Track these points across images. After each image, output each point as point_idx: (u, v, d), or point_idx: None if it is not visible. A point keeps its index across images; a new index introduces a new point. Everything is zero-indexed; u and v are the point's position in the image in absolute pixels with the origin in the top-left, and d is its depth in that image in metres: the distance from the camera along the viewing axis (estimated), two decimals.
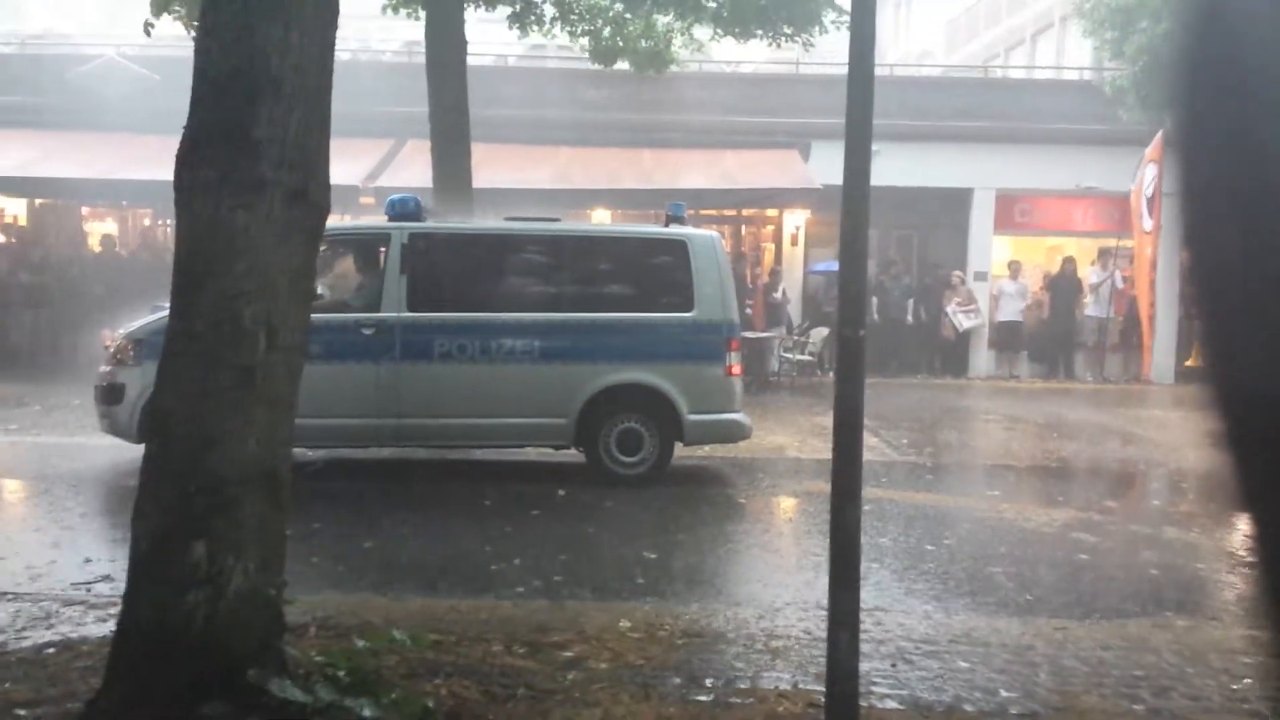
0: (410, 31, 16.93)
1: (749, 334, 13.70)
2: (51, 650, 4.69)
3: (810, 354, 16.29)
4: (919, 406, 14.47)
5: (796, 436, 11.43)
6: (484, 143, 13.45)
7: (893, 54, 34.64)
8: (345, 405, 8.35)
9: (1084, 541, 7.28)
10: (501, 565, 6.38)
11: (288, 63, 3.48)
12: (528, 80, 19.20)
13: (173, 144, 3.61)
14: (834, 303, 16.83)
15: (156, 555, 3.43)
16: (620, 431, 8.76)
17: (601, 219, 17.05)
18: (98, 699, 3.59)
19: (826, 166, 16.03)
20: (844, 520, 3.68)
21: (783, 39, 13.69)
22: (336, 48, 3.78)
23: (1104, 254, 18.51)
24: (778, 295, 17.46)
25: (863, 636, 4.01)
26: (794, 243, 18.82)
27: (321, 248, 4.03)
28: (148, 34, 10.45)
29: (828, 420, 11.08)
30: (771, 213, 18.90)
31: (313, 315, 3.89)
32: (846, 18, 12.97)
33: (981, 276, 19.06)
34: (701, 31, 14.61)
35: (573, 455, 9.21)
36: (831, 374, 14.82)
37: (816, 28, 13.45)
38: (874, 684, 4.43)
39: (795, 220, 18.58)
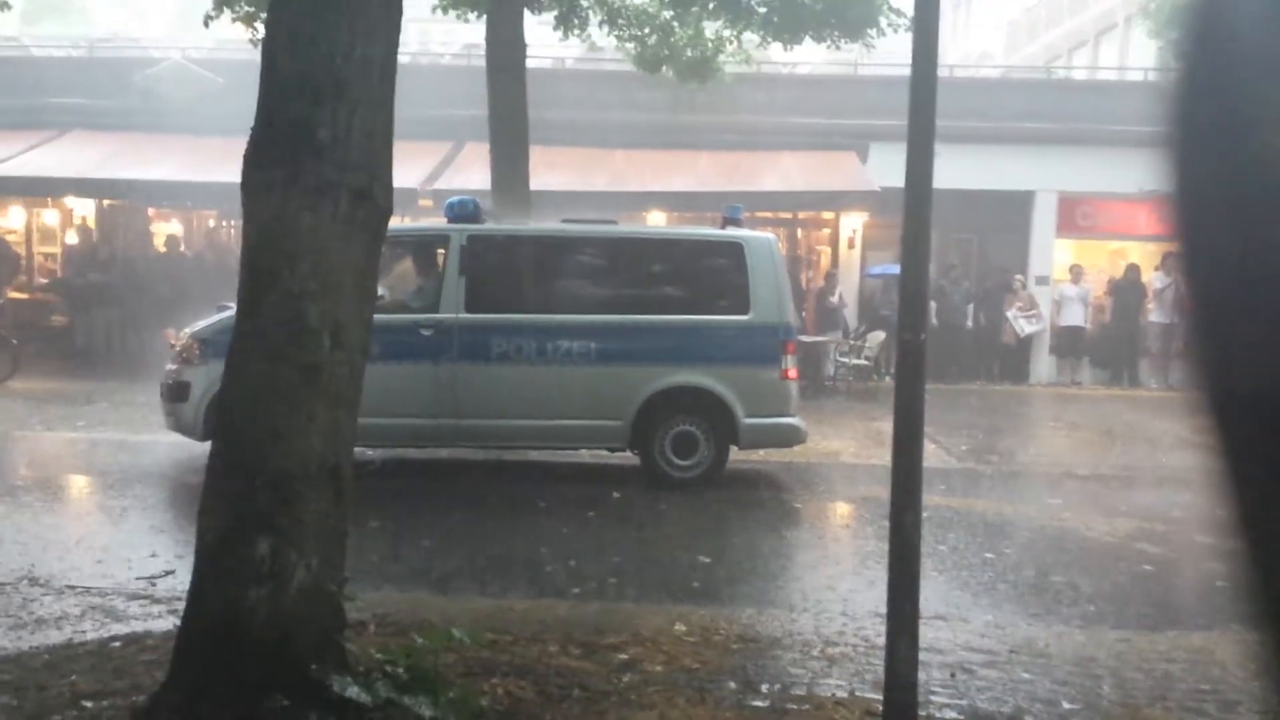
0: (470, 34, 17.07)
1: (804, 338, 13.62)
2: (117, 644, 4.78)
3: (867, 358, 16.14)
4: (978, 413, 14.28)
5: (852, 442, 11.33)
6: (541, 145, 13.51)
7: (952, 55, 34.27)
8: (404, 405, 8.42)
9: (1148, 552, 7.13)
10: (556, 566, 6.40)
11: (352, 65, 3.52)
12: (585, 83, 19.25)
13: (237, 146, 3.67)
14: (891, 306, 16.73)
15: (221, 550, 3.48)
16: (675, 434, 8.74)
17: (657, 221, 17.05)
18: (162, 692, 3.65)
19: (885, 168, 15.89)
20: (903, 527, 3.64)
21: (837, 43, 13.58)
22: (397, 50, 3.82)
23: (1168, 258, 18.13)
24: (834, 299, 17.32)
25: (921, 645, 3.97)
26: (851, 246, 18.67)
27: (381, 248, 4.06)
28: (206, 26, 10.64)
29: (884, 426, 11.01)
30: (828, 215, 18.77)
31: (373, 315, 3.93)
32: (903, 20, 12.93)
33: (1043, 281, 18.76)
34: (748, 37, 14.50)
35: (627, 458, 9.21)
36: (888, 379, 14.67)
37: (874, 30, 13.30)
38: (932, 693, 4.37)
39: (852, 223, 18.44)
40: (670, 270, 9.25)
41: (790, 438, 8.98)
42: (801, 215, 19.07)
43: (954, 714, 4.23)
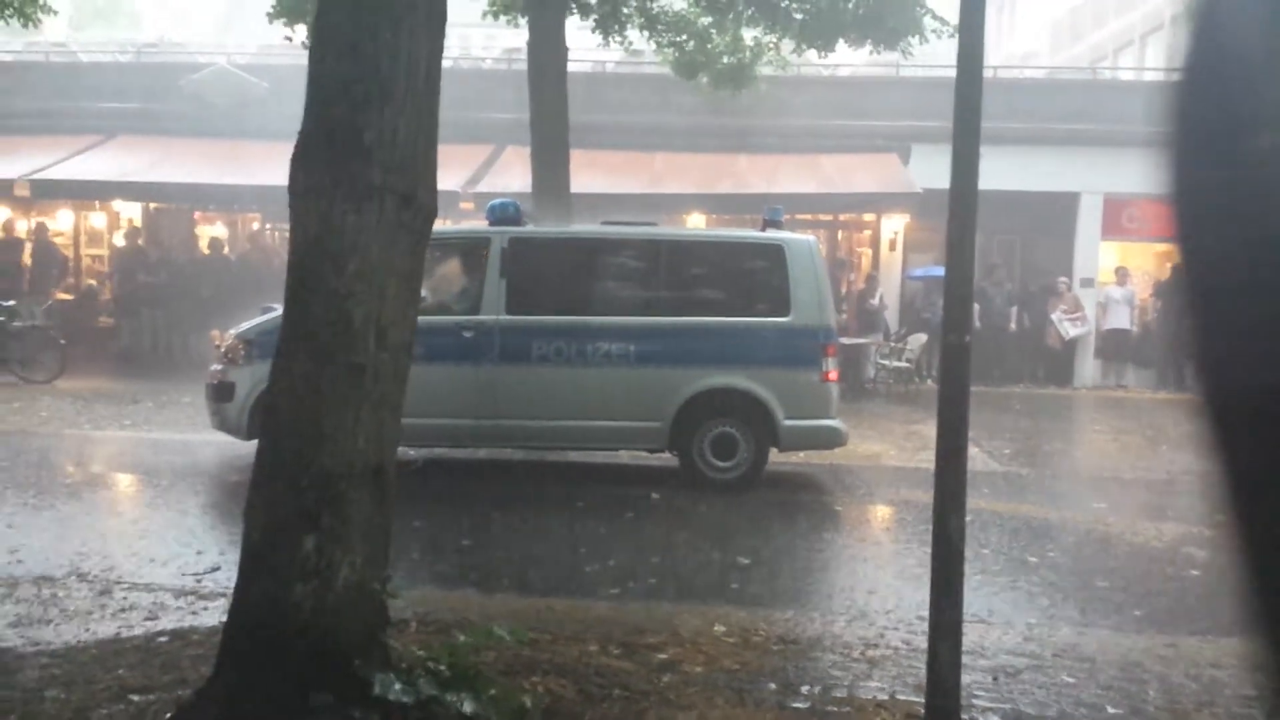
0: (511, 39, 17.19)
1: (844, 340, 13.56)
2: (164, 639, 4.86)
3: (908, 361, 16.04)
4: (1022, 416, 14.14)
5: (893, 445, 11.27)
6: (581, 149, 13.57)
7: (996, 55, 33.97)
8: (445, 406, 8.47)
9: (1195, 557, 7.03)
10: (596, 566, 6.42)
11: (398, 69, 3.56)
12: (625, 86, 19.29)
13: (280, 150, 3.72)
14: (932, 309, 16.62)
15: (267, 547, 3.53)
16: (715, 436, 8.73)
17: (696, 224, 17.05)
18: (208, 687, 3.70)
19: (927, 170, 15.78)
20: (947, 530, 3.62)
21: (876, 49, 13.51)
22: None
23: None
24: (874, 301, 17.23)
25: (963, 648, 3.94)
26: (892, 248, 18.57)
27: None
28: (289, 39, 10.86)
29: (925, 429, 10.91)
30: (869, 217, 18.68)
31: None
32: (946, 27, 12.84)
33: (1088, 283, 18.56)
34: (785, 44, 14.46)
35: (666, 459, 9.21)
36: (929, 382, 14.58)
37: (915, 37, 13.21)
38: (975, 697, 4.34)
39: (893, 225, 18.34)
40: (710, 272, 9.24)
41: (831, 440, 8.95)
42: (842, 217, 19.00)
43: (996, 718, 4.19)
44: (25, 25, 11.38)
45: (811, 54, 15.02)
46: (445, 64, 4.03)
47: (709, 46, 13.91)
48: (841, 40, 13.36)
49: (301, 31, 12.12)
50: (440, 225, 4.04)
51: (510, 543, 7.05)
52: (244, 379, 8.61)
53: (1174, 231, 0.69)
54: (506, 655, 4.36)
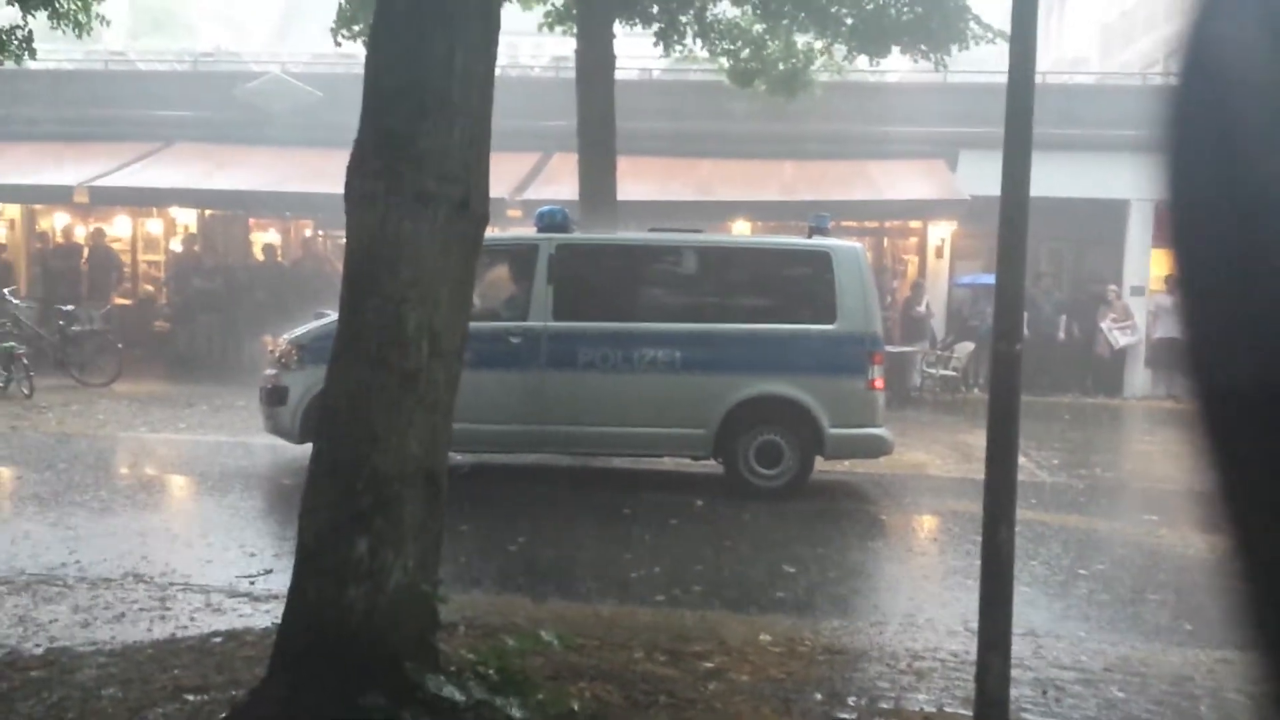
0: (558, 47, 17.29)
1: (890, 348, 13.48)
2: (218, 639, 4.94)
3: (954, 369, 15.90)
4: (1071, 426, 13.97)
5: (939, 454, 11.18)
6: (628, 155, 13.60)
7: (1046, 60, 33.59)
8: (492, 411, 8.51)
9: None
10: (641, 573, 6.43)
11: (453, 78, 3.62)
12: (671, 93, 19.32)
13: (333, 157, 3.79)
14: (980, 317, 16.47)
15: (321, 549, 3.59)
16: (760, 444, 8.71)
17: (742, 231, 17.04)
18: (262, 687, 3.76)
19: (975, 176, 15.66)
20: (996, 541, 3.60)
21: (927, 56, 13.44)
22: None
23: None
24: (921, 309, 17.10)
25: (1012, 662, 3.91)
26: (939, 255, 18.41)
27: None
28: (337, 44, 11.05)
29: (972, 438, 10.79)
30: (915, 224, 18.55)
31: None
32: (987, 33, 12.76)
33: (1138, 291, 18.27)
34: (836, 49, 14.43)
35: (710, 466, 9.21)
36: (976, 390, 14.35)
37: (956, 45, 13.13)
38: (1024, 711, 4.30)
39: (941, 232, 18.19)
40: (756, 279, 9.24)
41: (877, 448, 8.90)
42: (889, 224, 18.88)
43: None
44: (79, 35, 11.62)
45: (860, 61, 14.98)
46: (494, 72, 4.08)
47: (765, 53, 13.92)
48: (891, 46, 13.31)
49: (348, 40, 12.30)
50: (489, 232, 4.08)
51: (556, 548, 7.08)
52: (297, 383, 8.73)
53: (1172, 238, 0.70)
54: (554, 660, 4.40)
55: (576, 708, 3.78)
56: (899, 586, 6.53)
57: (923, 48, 13.29)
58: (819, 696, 4.40)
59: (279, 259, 18.49)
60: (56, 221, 19.44)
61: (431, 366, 3.61)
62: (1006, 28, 3.84)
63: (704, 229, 10.57)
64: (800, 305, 8.94)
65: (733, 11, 14.02)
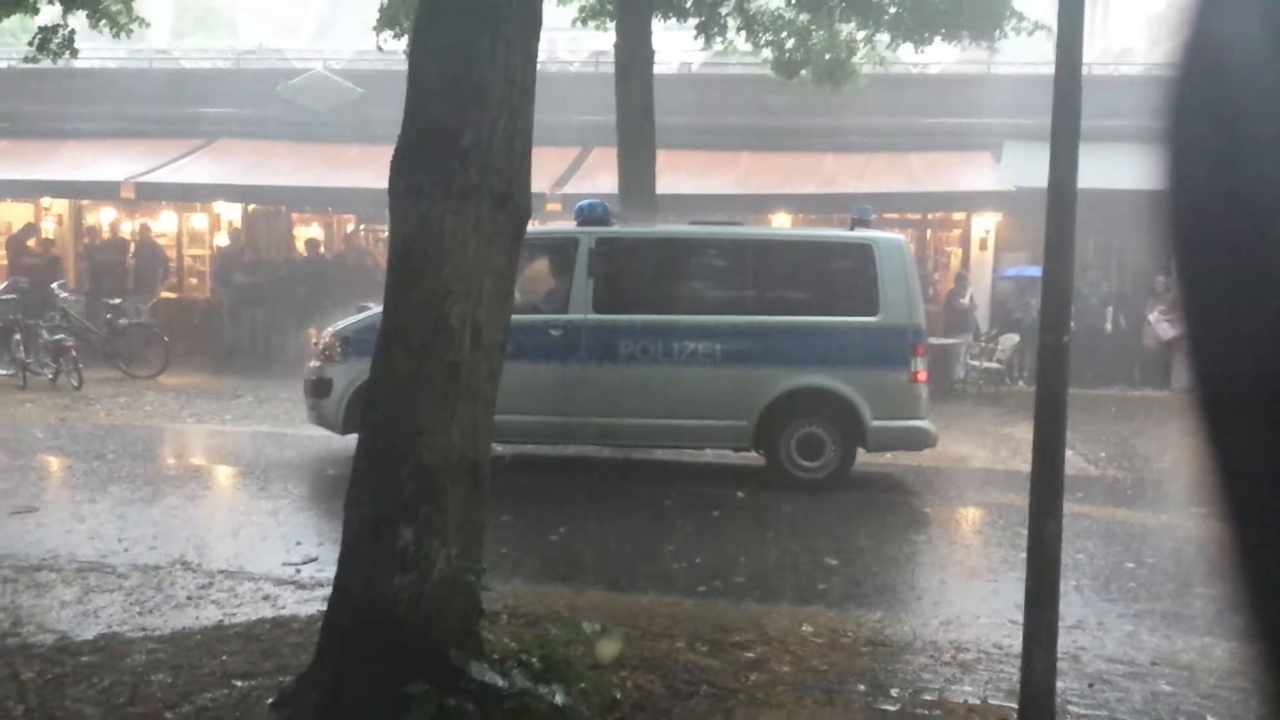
0: (597, 42, 17.28)
1: (933, 340, 13.36)
2: (265, 626, 5.02)
3: (998, 362, 15.75)
4: (1118, 419, 13.79)
5: (983, 447, 11.08)
6: (667, 149, 13.59)
7: (1092, 51, 33.15)
8: (533, 403, 8.53)
9: None
10: (682, 564, 6.44)
11: (495, 73, 3.63)
12: (711, 86, 19.27)
13: (374, 152, 3.83)
14: (1024, 309, 16.29)
15: (367, 538, 3.63)
16: (801, 436, 8.68)
17: (782, 224, 16.97)
18: (308, 673, 3.81)
19: (1020, 168, 15.48)
20: (1043, 534, 3.56)
21: (965, 43, 13.33)
22: None
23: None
24: (964, 301, 16.94)
25: (1058, 654, 3.88)
26: (983, 247, 18.23)
27: None
28: (379, 48, 11.15)
29: (1016, 431, 10.68)
30: (959, 216, 18.38)
31: None
32: (1025, 24, 12.61)
33: None
34: (880, 38, 14.31)
35: (751, 458, 9.20)
36: (1020, 383, 14.18)
37: (997, 32, 12.99)
38: (1070, 704, 4.26)
39: (985, 224, 18.01)
40: (798, 272, 9.20)
41: (920, 441, 8.84)
42: (932, 216, 18.72)
43: None
44: (116, 35, 11.78)
45: (902, 53, 14.85)
46: None
47: (810, 43, 13.83)
48: (935, 35, 13.19)
49: (391, 39, 12.37)
50: (529, 226, 4.11)
51: (598, 539, 7.11)
52: (340, 375, 8.81)
53: (1169, 229, 0.69)
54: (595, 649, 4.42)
55: (619, 696, 3.80)
56: (942, 579, 6.49)
57: (965, 35, 13.16)
58: (862, 688, 4.38)
59: (321, 253, 18.67)
60: (103, 217, 19.74)
61: (474, 358, 3.64)
62: (1049, 19, 3.80)
63: (744, 222, 10.53)
64: (842, 297, 8.90)
65: (775, 2, 13.94)
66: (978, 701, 4.27)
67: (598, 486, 8.93)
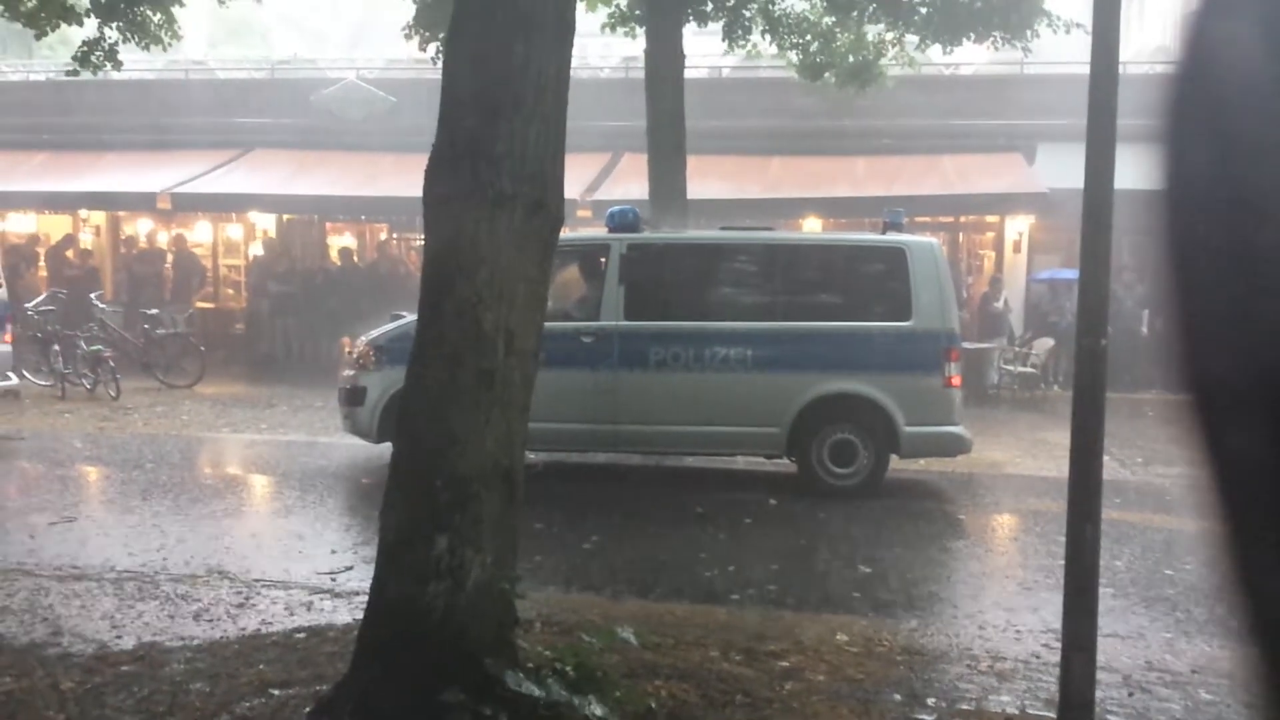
0: (627, 48, 17.31)
1: (967, 344, 13.26)
2: (301, 635, 5.04)
3: (1033, 366, 15.60)
4: (1155, 423, 13.60)
5: (1017, 452, 10.98)
6: (697, 154, 13.58)
7: (1126, 50, 32.79)
8: (565, 410, 8.53)
9: None
10: (715, 572, 6.42)
11: (527, 82, 3.64)
12: (741, 91, 19.26)
13: (407, 161, 3.85)
14: (1059, 312, 16.13)
15: (402, 547, 3.64)
16: (834, 442, 8.63)
17: (813, 228, 16.91)
18: (345, 682, 3.83)
19: (1054, 169, 15.36)
20: (1081, 540, 3.52)
21: (998, 43, 13.20)
22: None
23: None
24: (998, 304, 16.79)
25: (1096, 663, 3.83)
26: (1016, 249, 18.08)
27: None
28: (420, 47, 11.23)
29: (1052, 436, 10.56)
30: (992, 219, 18.25)
31: None
32: (1060, 23, 12.48)
33: None
34: (908, 40, 14.21)
35: (783, 465, 9.16)
36: (1055, 387, 14.00)
37: (1029, 32, 12.87)
38: (1109, 713, 4.21)
39: (1018, 226, 17.86)
40: (830, 276, 9.16)
41: (954, 447, 8.77)
42: (963, 219, 18.60)
43: None
44: (146, 48, 11.93)
45: (932, 53, 14.76)
46: None
47: (834, 46, 13.78)
48: (965, 36, 13.09)
49: (424, 43, 12.43)
50: (560, 232, 4.11)
51: (630, 546, 7.10)
52: (374, 384, 8.86)
53: (1164, 226, 0.68)
54: (630, 658, 4.41)
55: (654, 706, 3.79)
56: (978, 586, 6.43)
57: (997, 35, 13.05)
58: (898, 697, 4.35)
59: (355, 262, 18.80)
60: (140, 227, 20.01)
61: (508, 366, 3.65)
62: (1081, 18, 3.77)
63: (775, 227, 10.50)
64: (875, 302, 8.85)
65: (801, 4, 13.90)
66: (1016, 711, 4.23)
67: (629, 494, 8.93)
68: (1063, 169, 12.68)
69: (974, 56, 18.16)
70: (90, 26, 11.59)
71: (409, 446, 3.71)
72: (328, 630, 5.06)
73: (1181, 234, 0.68)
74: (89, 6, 11.33)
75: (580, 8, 13.24)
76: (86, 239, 19.94)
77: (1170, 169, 0.68)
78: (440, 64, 4.41)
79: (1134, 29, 36.35)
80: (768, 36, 13.89)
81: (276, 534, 7.35)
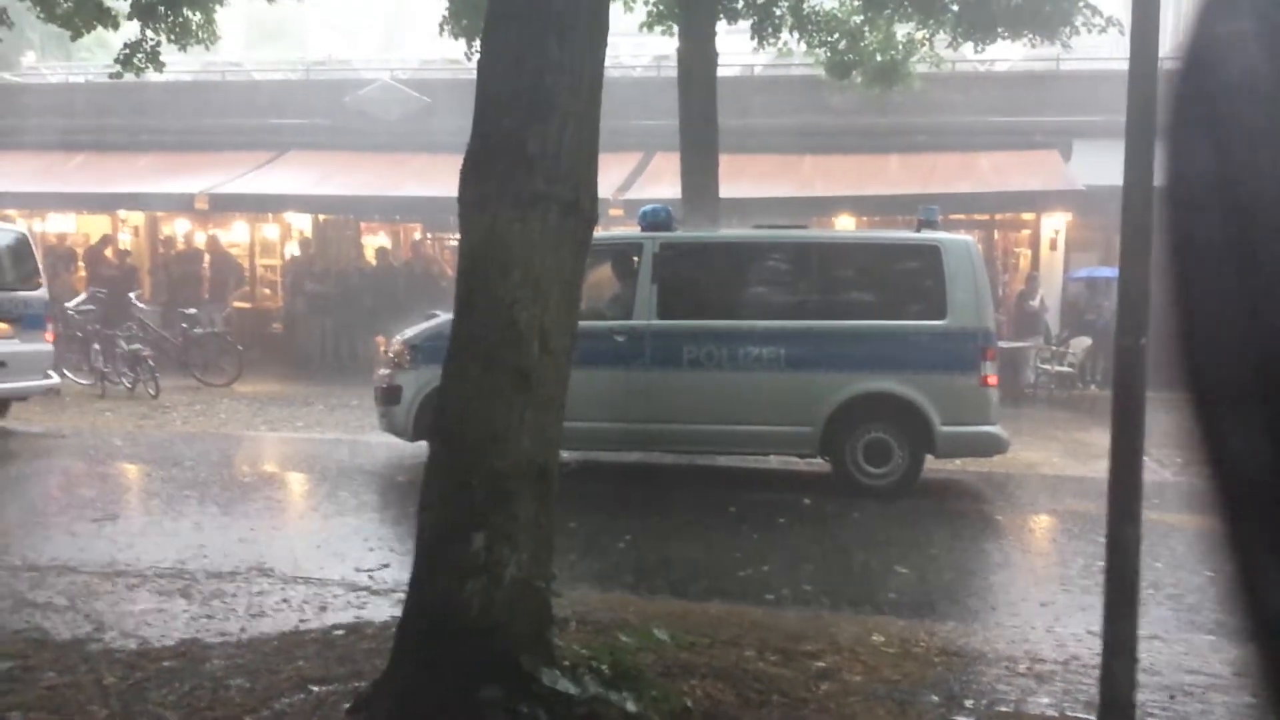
0: (660, 47, 17.31)
1: (1003, 343, 13.15)
2: (340, 632, 5.08)
3: (1070, 365, 15.45)
4: None
5: (1055, 453, 10.88)
6: (729, 153, 13.56)
7: (1164, 45, 32.40)
8: (598, 409, 8.53)
9: None
10: (750, 571, 6.41)
11: (562, 82, 3.65)
12: (773, 90, 19.21)
13: (441, 161, 3.88)
14: (1096, 311, 15.97)
15: (440, 545, 3.67)
16: (868, 442, 8.59)
17: (846, 226, 16.84)
18: (383, 679, 3.85)
19: (1090, 166, 15.21)
20: (1122, 542, 3.48)
21: (1035, 40, 13.06)
22: None
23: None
24: (1035, 303, 16.64)
25: (1138, 665, 3.79)
26: (1053, 247, 17.92)
27: None
28: (459, 40, 11.29)
29: (1089, 436, 10.45)
30: (1028, 216, 18.09)
31: None
32: (1098, 21, 12.32)
33: None
34: (939, 38, 14.09)
35: (817, 464, 9.13)
36: (1093, 387, 13.84)
37: (1068, 29, 12.70)
38: (1149, 715, 4.16)
39: (1054, 224, 17.70)
40: (864, 275, 9.12)
41: (990, 447, 8.70)
42: (1000, 217, 18.45)
43: None
44: (184, 49, 12.05)
45: (966, 50, 14.63)
46: None
47: (862, 44, 13.70)
48: (998, 34, 12.95)
49: (457, 39, 12.48)
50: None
51: (664, 546, 7.10)
52: (410, 383, 8.92)
53: (1169, 227, 0.68)
54: (665, 657, 4.41)
55: (689, 705, 3.79)
56: (1017, 588, 6.38)
57: (1031, 33, 12.91)
58: (935, 698, 4.32)
59: (390, 262, 18.92)
60: (178, 228, 20.24)
61: (543, 365, 3.66)
62: (1118, 14, 3.73)
63: (809, 225, 10.46)
64: (909, 301, 8.80)
65: (830, 2, 13.84)
66: (1055, 714, 4.19)
67: (663, 493, 8.93)
68: (1100, 166, 12.53)
69: (1009, 53, 18.01)
70: (128, 29, 11.73)
71: (445, 445, 3.73)
72: (366, 627, 5.10)
73: (1181, 232, 0.68)
74: (127, 10, 11.46)
75: (616, 7, 13.30)
76: (125, 239, 20.19)
77: (1171, 168, 0.68)
78: (474, 62, 4.44)
79: (1171, 22, 35.93)
80: (796, 34, 13.84)
81: (314, 531, 7.41)
